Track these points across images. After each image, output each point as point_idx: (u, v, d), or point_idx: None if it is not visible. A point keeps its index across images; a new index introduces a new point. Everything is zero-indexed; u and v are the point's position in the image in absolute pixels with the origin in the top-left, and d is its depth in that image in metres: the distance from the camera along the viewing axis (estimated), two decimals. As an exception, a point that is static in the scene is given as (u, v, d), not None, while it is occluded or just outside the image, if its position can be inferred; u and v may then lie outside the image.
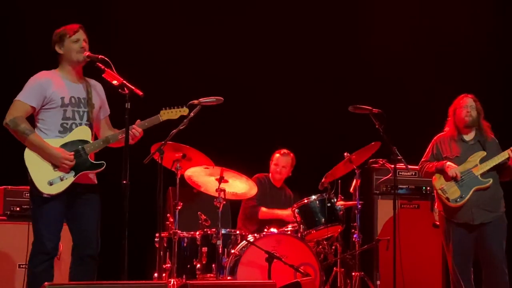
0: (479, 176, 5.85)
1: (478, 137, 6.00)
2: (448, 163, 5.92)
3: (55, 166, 4.73)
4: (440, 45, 8.29)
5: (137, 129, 4.90)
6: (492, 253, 5.82)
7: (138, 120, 4.95)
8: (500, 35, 8.28)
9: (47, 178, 4.70)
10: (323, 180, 6.33)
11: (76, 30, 4.90)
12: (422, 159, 6.16)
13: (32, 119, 4.87)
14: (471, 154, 5.92)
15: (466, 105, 6.00)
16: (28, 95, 4.80)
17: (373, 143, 6.23)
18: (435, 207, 6.13)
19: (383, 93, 7.76)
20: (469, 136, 6.03)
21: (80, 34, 4.90)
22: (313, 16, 8.23)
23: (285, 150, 7.03)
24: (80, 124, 4.87)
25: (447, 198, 5.88)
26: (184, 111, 5.14)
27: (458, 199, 5.84)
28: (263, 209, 6.80)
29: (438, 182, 5.97)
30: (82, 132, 4.86)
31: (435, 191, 6.05)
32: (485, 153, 5.90)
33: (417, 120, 7.85)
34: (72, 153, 4.76)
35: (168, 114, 5.05)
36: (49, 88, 4.81)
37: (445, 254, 6.27)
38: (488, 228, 5.82)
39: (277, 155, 7.03)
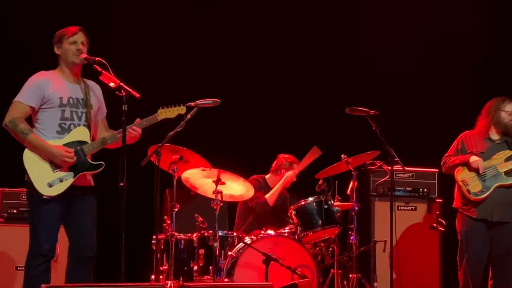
0: (503, 174, 5.82)
1: (506, 137, 5.97)
2: (473, 156, 5.89)
3: (55, 167, 4.73)
4: (439, 46, 8.28)
5: (135, 129, 4.90)
6: (507, 253, 5.80)
7: (138, 119, 4.95)
8: (500, 36, 8.28)
9: (46, 180, 4.70)
10: (320, 182, 6.34)
11: (75, 32, 4.91)
12: (446, 154, 6.10)
13: (30, 119, 4.86)
14: (496, 152, 5.90)
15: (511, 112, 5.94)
16: (26, 96, 4.81)
17: (371, 151, 6.24)
18: (453, 205, 6.07)
19: (380, 94, 7.76)
20: (496, 135, 6.00)
21: (78, 37, 4.90)
22: (309, 18, 8.21)
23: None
24: (79, 125, 4.86)
25: (468, 191, 5.85)
26: (182, 109, 5.13)
27: (479, 193, 5.81)
28: (266, 196, 6.76)
29: (461, 174, 5.93)
30: (81, 133, 4.86)
31: (456, 185, 6.01)
32: (511, 152, 5.88)
33: (414, 122, 7.85)
34: (72, 149, 4.75)
35: (165, 113, 5.05)
36: (48, 88, 4.81)
37: (442, 256, 6.26)
38: (506, 228, 5.79)
39: None
